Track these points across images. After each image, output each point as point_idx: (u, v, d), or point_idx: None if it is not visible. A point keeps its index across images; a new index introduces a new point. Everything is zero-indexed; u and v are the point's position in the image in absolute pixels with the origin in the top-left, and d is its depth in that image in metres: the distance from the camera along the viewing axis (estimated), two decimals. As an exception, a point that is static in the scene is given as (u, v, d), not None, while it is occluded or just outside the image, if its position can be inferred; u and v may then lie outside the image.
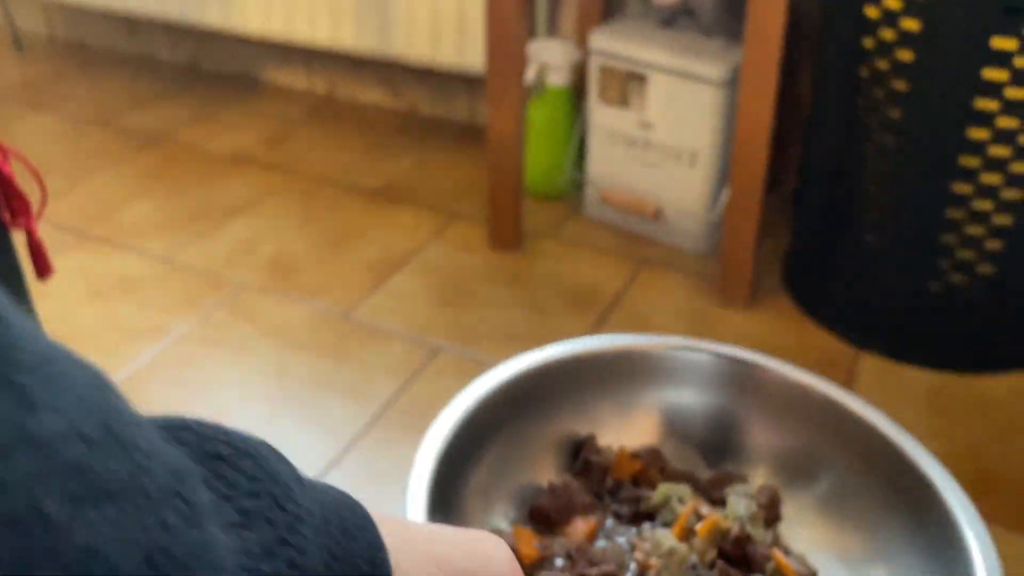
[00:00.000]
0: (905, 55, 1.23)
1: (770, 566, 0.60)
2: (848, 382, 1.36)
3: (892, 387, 1.35)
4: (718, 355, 0.69)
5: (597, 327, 1.46)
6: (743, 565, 0.61)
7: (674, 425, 0.70)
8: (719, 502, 0.66)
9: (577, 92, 1.76)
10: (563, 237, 1.70)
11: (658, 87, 1.57)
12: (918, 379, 1.37)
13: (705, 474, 0.69)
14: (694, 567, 0.60)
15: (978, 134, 1.21)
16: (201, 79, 2.31)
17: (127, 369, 1.36)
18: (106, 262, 1.62)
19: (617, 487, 0.67)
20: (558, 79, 1.72)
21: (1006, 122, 1.20)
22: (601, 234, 1.70)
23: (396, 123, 2.11)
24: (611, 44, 1.60)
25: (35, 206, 0.47)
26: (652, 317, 1.49)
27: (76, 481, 0.18)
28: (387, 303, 1.52)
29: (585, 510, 0.65)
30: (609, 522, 0.65)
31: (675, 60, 1.54)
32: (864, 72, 1.30)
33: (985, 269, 1.30)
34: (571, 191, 1.80)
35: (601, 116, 1.66)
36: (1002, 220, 1.26)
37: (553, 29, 1.86)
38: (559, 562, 0.61)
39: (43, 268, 0.51)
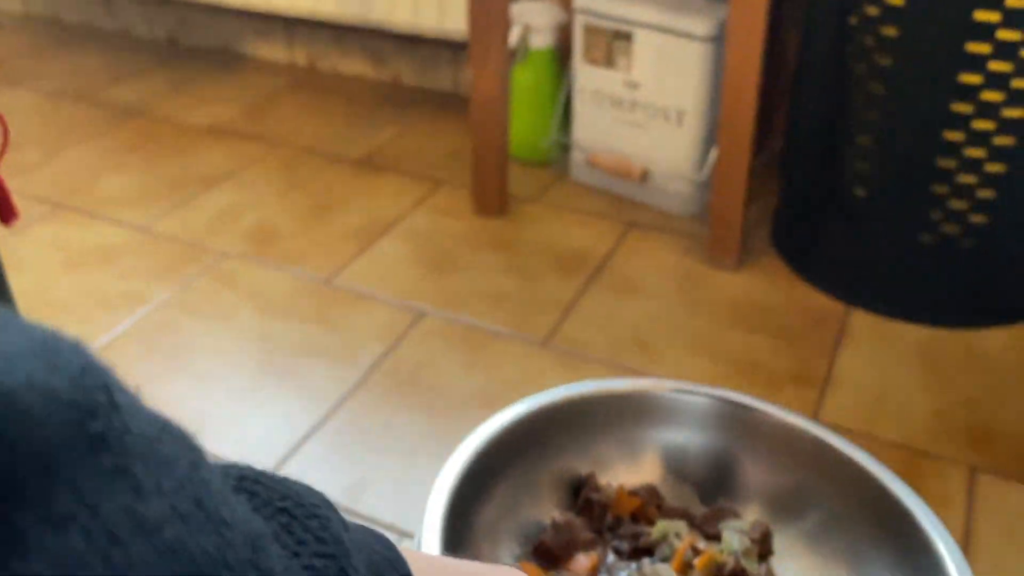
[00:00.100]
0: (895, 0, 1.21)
1: (764, 598, 0.65)
2: (839, 340, 1.34)
3: (884, 344, 1.33)
4: (714, 397, 0.74)
5: (584, 290, 1.43)
6: (739, 597, 0.66)
7: (672, 464, 0.75)
8: (713, 537, 0.70)
9: (561, 54, 1.73)
10: (549, 201, 1.67)
11: (644, 45, 1.54)
12: (910, 335, 1.35)
13: (700, 510, 0.73)
14: None
15: (970, 79, 1.19)
16: (180, 55, 2.27)
17: (106, 336, 1.33)
18: (83, 233, 1.58)
19: (617, 523, 0.71)
20: (542, 41, 1.69)
21: (997, 66, 1.18)
22: (588, 197, 1.68)
23: (380, 94, 2.08)
24: (596, 3, 1.57)
25: None
26: (641, 279, 1.47)
27: (174, 561, 0.20)
28: (371, 269, 1.49)
29: (587, 546, 0.68)
30: (610, 557, 0.69)
31: (661, 17, 1.51)
32: (853, 20, 1.27)
33: (978, 219, 1.28)
34: (557, 155, 1.77)
35: (586, 77, 1.63)
36: (995, 168, 1.24)
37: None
38: None
39: (7, 213, 0.50)
